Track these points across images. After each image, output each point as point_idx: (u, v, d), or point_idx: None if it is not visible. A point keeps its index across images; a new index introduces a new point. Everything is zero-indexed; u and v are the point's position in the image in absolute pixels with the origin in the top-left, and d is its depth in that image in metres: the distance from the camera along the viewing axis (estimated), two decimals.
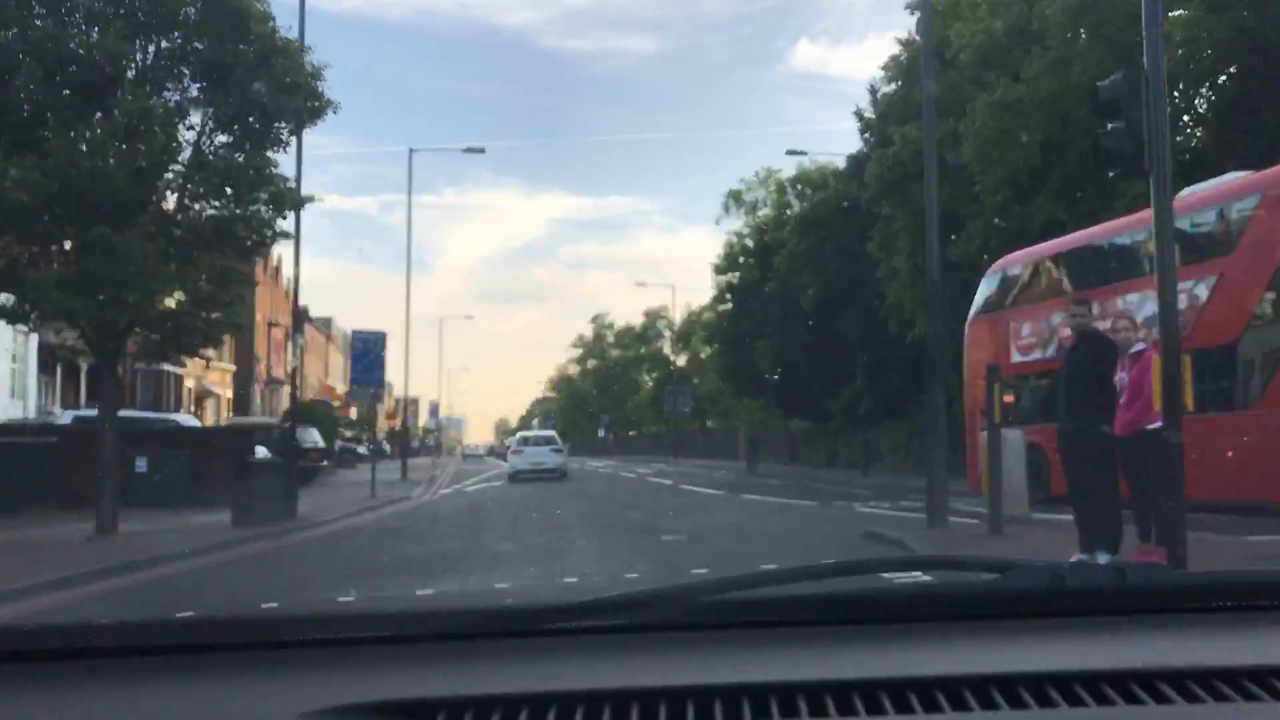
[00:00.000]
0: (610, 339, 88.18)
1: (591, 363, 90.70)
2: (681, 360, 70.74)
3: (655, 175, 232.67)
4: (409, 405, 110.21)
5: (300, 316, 18.22)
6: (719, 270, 48.06)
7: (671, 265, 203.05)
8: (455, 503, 20.18)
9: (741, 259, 46.14)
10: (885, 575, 1.64)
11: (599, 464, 51.21)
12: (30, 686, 1.22)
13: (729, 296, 46.78)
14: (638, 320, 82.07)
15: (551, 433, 36.59)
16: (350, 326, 63.23)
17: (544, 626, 1.37)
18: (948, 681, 1.18)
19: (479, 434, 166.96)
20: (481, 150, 30.86)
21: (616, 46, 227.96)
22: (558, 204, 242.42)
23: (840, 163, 36.20)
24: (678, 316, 66.25)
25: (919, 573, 1.98)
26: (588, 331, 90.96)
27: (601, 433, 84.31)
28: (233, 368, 49.97)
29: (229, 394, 50.02)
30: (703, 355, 65.71)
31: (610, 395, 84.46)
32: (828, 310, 35.21)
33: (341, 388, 78.73)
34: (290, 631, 1.35)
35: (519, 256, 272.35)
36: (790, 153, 31.34)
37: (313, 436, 27.60)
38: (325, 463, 27.54)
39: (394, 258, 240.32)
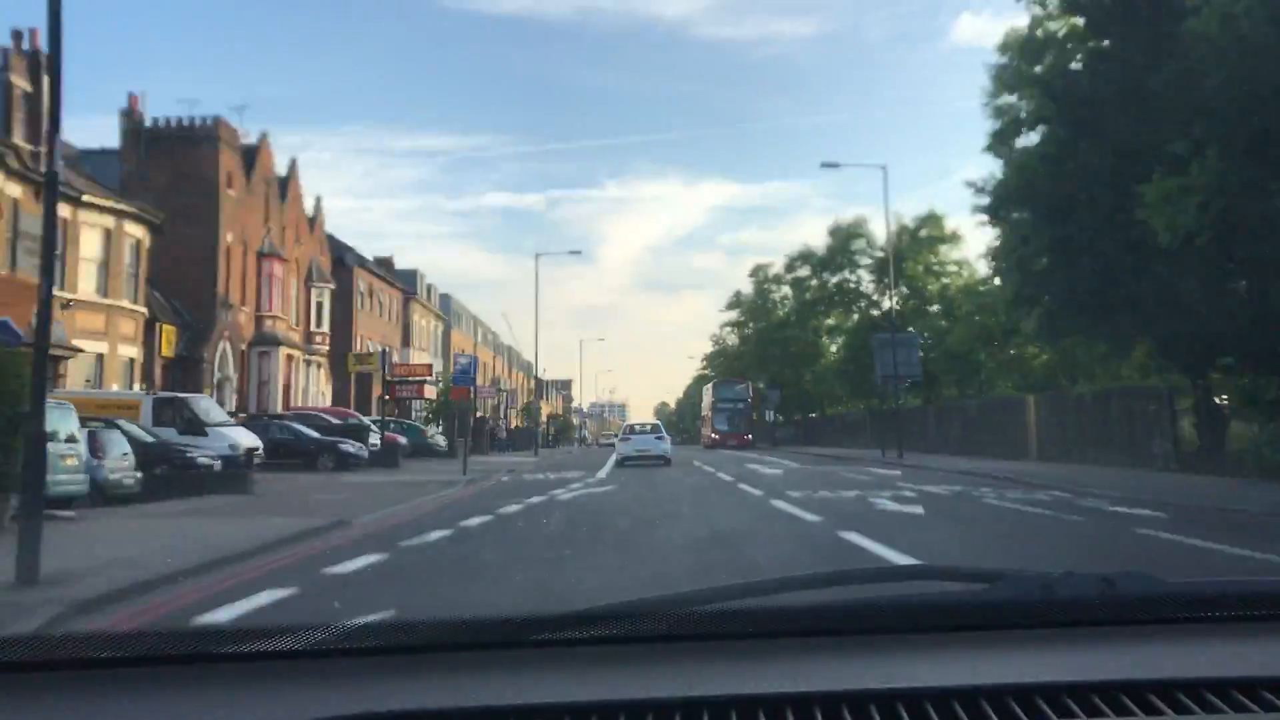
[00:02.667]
0: (776, 295, 63.67)
1: (753, 326, 66.95)
2: (891, 303, 45.94)
3: (814, 159, 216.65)
4: (554, 387, 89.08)
5: None
6: (1001, 85, 24.11)
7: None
8: None
9: (1051, 58, 22.15)
10: (874, 585, 1.53)
11: (765, 469, 28.13)
12: (26, 697, 1.19)
13: (1030, 133, 22.57)
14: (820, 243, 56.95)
15: (657, 422, 38.55)
16: (506, 320, 40.58)
17: (532, 638, 1.35)
18: (936, 693, 1.18)
19: (642, 418, 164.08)
20: None
21: (773, 32, 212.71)
22: (718, 192, 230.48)
23: None
24: (882, 234, 41.60)
25: (908, 583, 1.62)
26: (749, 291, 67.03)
27: (770, 415, 60.54)
28: (143, 310, 29.27)
29: (136, 354, 29.56)
30: (932, 287, 41.58)
31: (777, 362, 60.62)
32: None
33: (418, 358, 58.68)
34: (276, 644, 1.31)
35: (680, 245, 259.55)
36: None
37: None
38: None
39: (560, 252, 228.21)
